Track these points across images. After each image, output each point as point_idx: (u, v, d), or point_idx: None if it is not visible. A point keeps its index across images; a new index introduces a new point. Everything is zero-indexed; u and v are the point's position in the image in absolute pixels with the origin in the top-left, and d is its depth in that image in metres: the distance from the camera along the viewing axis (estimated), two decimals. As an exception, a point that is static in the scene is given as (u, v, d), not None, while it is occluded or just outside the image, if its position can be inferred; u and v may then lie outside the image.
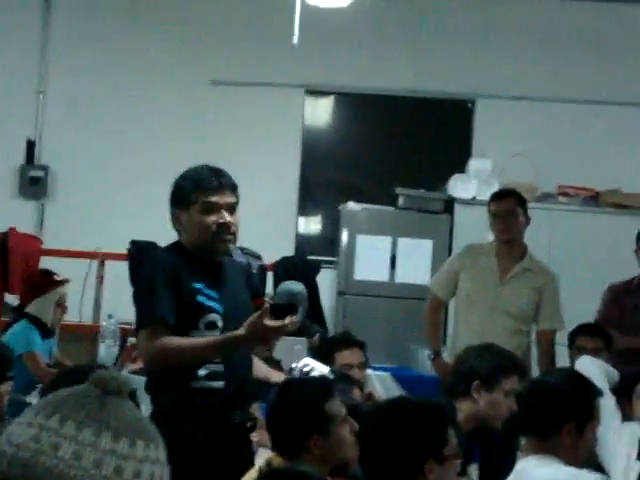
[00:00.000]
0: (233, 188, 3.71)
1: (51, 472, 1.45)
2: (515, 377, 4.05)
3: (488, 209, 5.98)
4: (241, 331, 3.46)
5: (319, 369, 4.02)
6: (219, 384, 3.64)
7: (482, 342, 5.59)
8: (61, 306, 6.41)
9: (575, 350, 5.55)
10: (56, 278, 6.48)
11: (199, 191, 3.64)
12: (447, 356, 6.03)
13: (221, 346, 3.56)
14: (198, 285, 3.64)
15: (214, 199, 3.64)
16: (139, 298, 3.68)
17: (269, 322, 3.44)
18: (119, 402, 1.53)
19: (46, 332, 6.30)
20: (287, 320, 3.47)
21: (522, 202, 5.97)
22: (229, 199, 3.68)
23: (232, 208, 3.70)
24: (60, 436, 1.47)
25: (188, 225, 3.67)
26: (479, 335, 5.75)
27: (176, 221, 3.72)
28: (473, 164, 8.66)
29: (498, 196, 6.06)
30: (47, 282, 6.41)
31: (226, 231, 3.67)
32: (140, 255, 7.20)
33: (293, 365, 4.11)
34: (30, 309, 6.26)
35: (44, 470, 1.45)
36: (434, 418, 3.00)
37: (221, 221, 3.64)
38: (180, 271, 3.63)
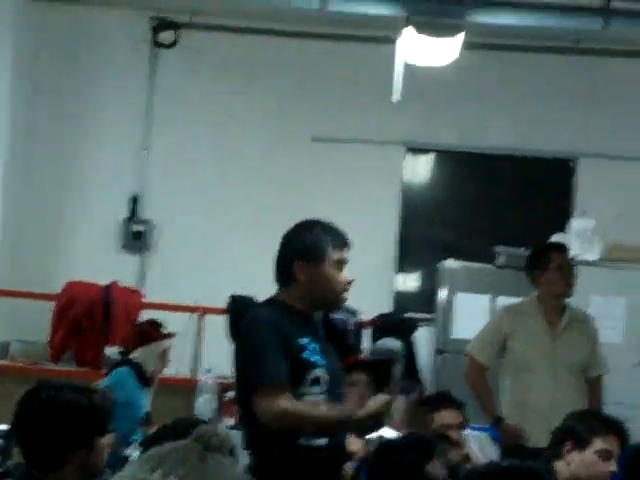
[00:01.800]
0: (350, 246, 3.83)
1: None
2: (611, 437, 3.93)
3: (544, 263, 5.84)
4: (362, 413, 3.54)
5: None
6: (323, 441, 3.65)
7: (552, 403, 5.56)
8: (164, 359, 6.46)
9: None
10: (163, 330, 6.54)
11: (337, 248, 3.74)
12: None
13: (340, 422, 3.64)
14: (304, 340, 3.67)
15: (344, 256, 3.74)
16: (252, 359, 3.67)
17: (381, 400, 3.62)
18: (220, 458, 1.54)
19: (145, 382, 6.34)
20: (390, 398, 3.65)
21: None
22: (348, 257, 3.81)
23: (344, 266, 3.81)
24: None
25: (317, 279, 3.72)
26: (546, 394, 5.67)
27: (298, 273, 3.74)
28: (574, 223, 8.55)
29: (559, 248, 5.98)
30: (155, 332, 6.47)
31: (349, 289, 3.76)
32: (240, 310, 7.24)
33: (368, 436, 4.13)
34: (134, 356, 6.31)
35: None
36: None
37: (349, 279, 3.73)
38: (285, 328, 3.65)
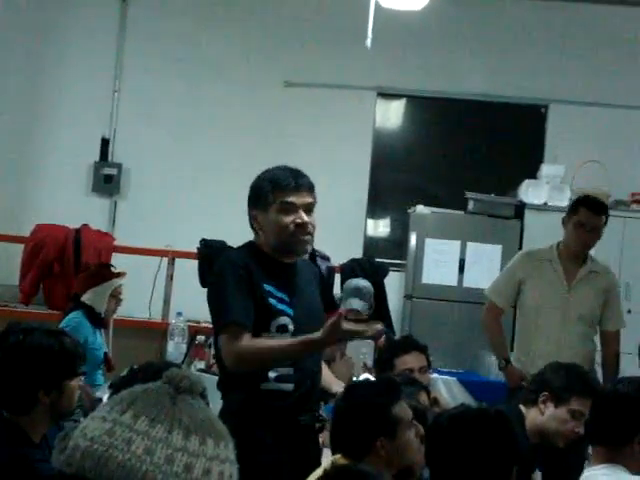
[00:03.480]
0: (311, 188, 3.72)
1: (123, 467, 1.47)
2: (587, 401, 3.96)
3: (572, 213, 5.84)
4: (319, 334, 3.48)
5: None
6: (288, 387, 3.66)
7: (558, 349, 5.61)
8: (115, 297, 6.43)
9: (645, 360, 5.50)
10: (112, 269, 6.53)
11: (277, 191, 3.65)
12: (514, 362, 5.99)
13: (300, 348, 3.57)
14: (268, 287, 3.66)
15: (292, 199, 3.65)
16: (215, 300, 3.69)
17: (347, 325, 3.46)
18: (190, 400, 1.55)
19: (98, 323, 6.33)
20: (365, 326, 3.49)
21: (607, 221, 5.89)
22: (307, 199, 3.69)
23: (309, 209, 3.71)
24: (133, 432, 1.49)
25: (266, 225, 3.69)
26: (555, 342, 5.73)
27: (254, 221, 3.73)
28: (545, 170, 8.60)
29: (594, 209, 5.85)
30: (104, 273, 6.45)
31: (304, 231, 3.67)
32: (211, 254, 7.26)
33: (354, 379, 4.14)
34: (84, 298, 6.29)
35: (116, 464, 1.47)
36: (502, 428, 3.00)
37: (299, 221, 3.65)
38: (254, 272, 3.65)
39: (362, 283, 6.87)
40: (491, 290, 6.12)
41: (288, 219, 3.64)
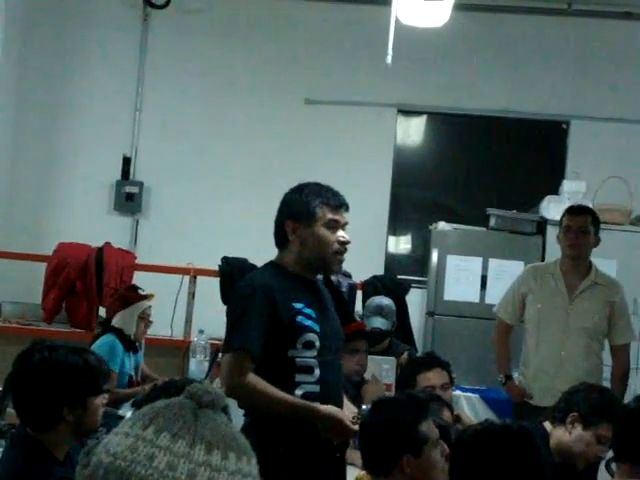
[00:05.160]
0: (348, 208, 3.84)
1: None
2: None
3: (560, 223, 5.93)
4: (323, 412, 3.55)
5: None
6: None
7: (559, 363, 5.62)
8: (145, 319, 6.50)
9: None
10: (140, 292, 6.58)
11: (326, 208, 3.73)
12: (517, 377, 5.99)
13: (297, 412, 3.62)
14: (298, 305, 3.68)
15: (338, 217, 3.74)
16: (231, 321, 3.72)
17: (351, 426, 3.60)
18: (213, 415, 1.55)
19: (130, 346, 6.39)
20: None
21: (596, 221, 5.91)
22: (346, 219, 3.82)
23: (345, 227, 3.81)
24: (155, 447, 1.49)
25: (307, 239, 3.73)
26: (555, 355, 5.73)
27: (291, 233, 3.76)
28: (566, 186, 8.57)
29: (574, 211, 5.99)
30: (131, 295, 6.52)
31: (343, 249, 3.75)
32: (232, 272, 7.26)
33: (363, 407, 4.16)
34: (114, 322, 6.37)
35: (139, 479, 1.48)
36: (526, 445, 2.98)
37: (342, 239, 3.73)
38: (279, 292, 3.66)
39: (384, 301, 6.87)
40: (499, 307, 6.15)
41: (334, 236, 3.72)
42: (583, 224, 5.83)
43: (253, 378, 3.57)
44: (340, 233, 3.75)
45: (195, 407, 1.55)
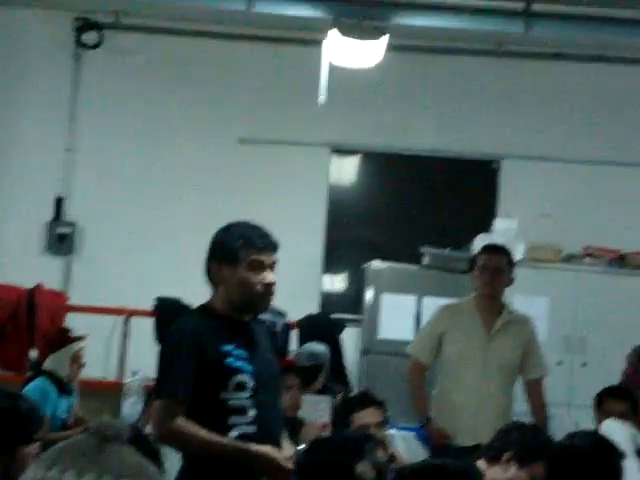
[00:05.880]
0: (276, 248, 3.76)
1: None
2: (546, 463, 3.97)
3: (475, 261, 5.99)
4: (254, 450, 3.52)
5: None
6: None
7: (480, 401, 5.67)
8: (77, 361, 6.42)
9: (601, 413, 5.52)
10: (71, 334, 6.52)
11: (249, 249, 3.67)
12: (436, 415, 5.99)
13: (231, 453, 3.58)
14: (228, 347, 3.65)
15: (261, 258, 3.68)
16: (160, 368, 3.71)
17: (286, 465, 3.56)
18: (117, 448, 1.56)
19: (63, 388, 6.31)
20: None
21: (511, 261, 6.00)
22: (273, 259, 3.73)
23: (273, 267, 3.74)
24: None
25: (231, 281, 3.69)
26: (475, 394, 5.77)
27: (216, 276, 3.73)
28: (498, 224, 8.66)
29: (490, 250, 6.06)
30: (63, 337, 6.46)
31: (270, 291, 3.70)
32: (166, 312, 7.23)
33: (299, 447, 4.15)
34: (46, 364, 6.29)
35: None
36: None
37: (266, 281, 3.67)
38: (207, 336, 3.64)
39: (317, 348, 6.88)
40: (414, 347, 6.16)
41: (257, 278, 3.67)
42: (499, 263, 5.91)
43: (182, 422, 3.55)
44: (265, 274, 3.69)
45: (99, 442, 1.55)
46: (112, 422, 1.58)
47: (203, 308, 3.79)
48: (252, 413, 3.66)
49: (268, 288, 3.69)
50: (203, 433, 3.56)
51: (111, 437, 1.56)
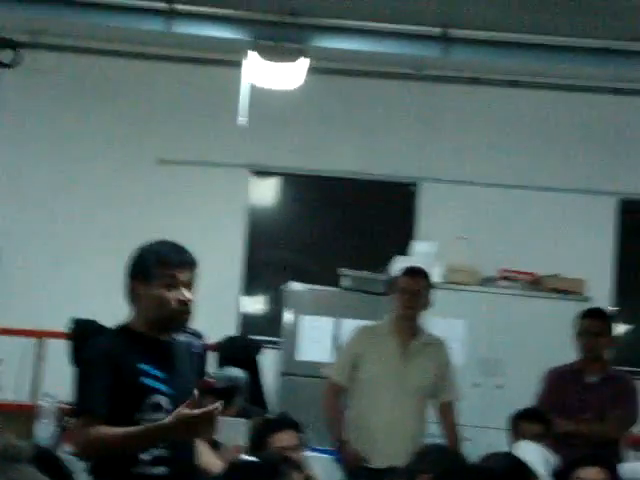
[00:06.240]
0: (193, 265, 3.70)
1: None
2: None
3: (395, 282, 6.04)
4: (167, 421, 3.43)
5: None
6: (162, 470, 3.58)
7: (395, 422, 5.70)
8: None
9: (515, 435, 5.57)
10: None
11: (162, 266, 3.62)
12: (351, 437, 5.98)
13: (150, 436, 3.49)
14: (144, 367, 3.60)
15: (175, 275, 3.63)
16: (77, 386, 3.65)
17: (193, 411, 3.40)
18: (20, 467, 1.54)
19: None
20: (211, 406, 3.42)
21: (430, 285, 6.06)
22: (189, 276, 3.67)
23: (191, 285, 3.69)
24: None
25: (146, 299, 3.64)
26: (390, 416, 5.80)
27: (132, 293, 3.68)
28: (416, 246, 8.72)
29: (410, 273, 6.09)
30: None
31: (185, 309, 3.65)
32: (82, 334, 7.14)
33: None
34: None
35: None
36: None
37: (181, 298, 3.62)
38: (122, 356, 3.59)
39: (235, 372, 6.86)
40: (329, 368, 6.17)
41: (170, 295, 3.61)
42: (418, 286, 5.95)
43: (95, 429, 3.48)
44: (181, 291, 3.65)
45: (1, 462, 1.53)
46: (14, 442, 1.56)
47: (121, 327, 3.75)
48: (167, 435, 3.61)
49: (183, 305, 3.65)
50: (116, 430, 3.49)
51: (12, 457, 1.54)
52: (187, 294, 3.64)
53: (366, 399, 5.95)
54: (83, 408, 3.57)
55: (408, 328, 5.99)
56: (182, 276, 3.64)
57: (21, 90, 9.23)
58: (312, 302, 8.47)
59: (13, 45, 9.10)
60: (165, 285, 3.61)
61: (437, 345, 6.07)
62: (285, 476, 3.69)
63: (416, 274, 6.07)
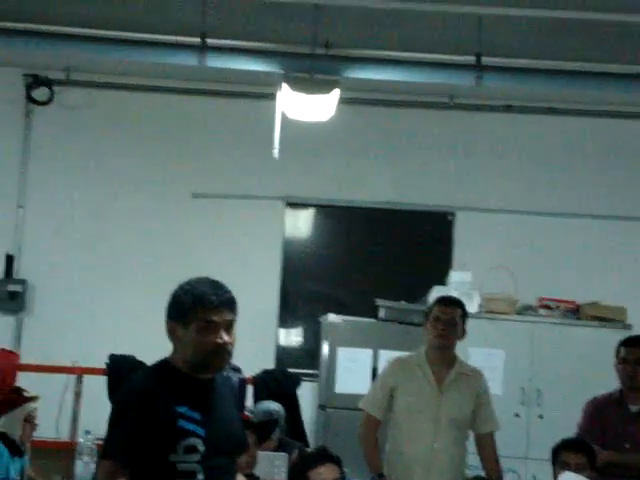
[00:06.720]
0: (232, 305, 3.61)
1: None
2: None
3: (429, 312, 5.96)
4: None
5: None
6: None
7: (431, 453, 5.64)
8: (30, 422, 6.31)
9: (558, 466, 5.49)
10: (25, 394, 6.40)
11: (200, 308, 3.55)
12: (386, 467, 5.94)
13: None
14: (181, 409, 3.56)
15: (213, 318, 3.55)
16: (109, 426, 3.61)
17: None
18: None
19: (15, 450, 6.19)
20: None
21: (465, 314, 5.99)
22: (228, 317, 3.57)
23: (230, 325, 3.63)
24: None
25: (185, 340, 3.59)
26: (428, 448, 5.73)
27: (172, 334, 3.65)
28: (453, 276, 8.67)
29: (444, 302, 6.02)
30: (15, 398, 6.33)
31: (224, 351, 3.59)
32: (120, 370, 7.13)
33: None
34: None
35: None
36: None
37: (219, 341, 3.56)
38: (161, 396, 3.55)
39: (272, 406, 6.82)
40: (365, 401, 6.10)
41: (208, 339, 3.55)
42: (452, 316, 5.89)
43: None
44: (219, 334, 3.56)
45: None
46: None
47: (162, 364, 3.71)
48: (200, 478, 3.57)
49: (221, 348, 3.60)
50: None
51: None
52: (225, 337, 3.58)
53: (403, 431, 5.89)
54: (110, 451, 3.54)
55: (443, 358, 5.92)
56: (220, 317, 3.57)
57: (56, 127, 9.29)
58: (349, 333, 8.43)
59: (48, 83, 9.18)
60: (203, 328, 3.55)
61: (473, 376, 6.00)
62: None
63: (450, 303, 6.02)
